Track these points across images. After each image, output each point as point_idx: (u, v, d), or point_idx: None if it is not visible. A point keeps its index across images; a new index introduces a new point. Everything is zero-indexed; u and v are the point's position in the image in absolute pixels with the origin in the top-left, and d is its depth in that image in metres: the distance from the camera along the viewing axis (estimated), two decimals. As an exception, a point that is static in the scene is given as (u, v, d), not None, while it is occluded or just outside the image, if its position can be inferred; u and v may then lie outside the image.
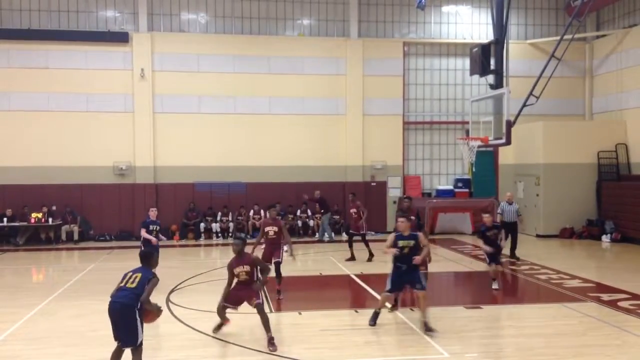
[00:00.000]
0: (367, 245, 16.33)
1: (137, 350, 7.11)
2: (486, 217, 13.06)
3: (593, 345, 8.81)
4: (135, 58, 21.64)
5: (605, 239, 20.34)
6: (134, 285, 7.11)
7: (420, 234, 9.98)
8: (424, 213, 21.13)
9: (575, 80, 24.02)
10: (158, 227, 13.30)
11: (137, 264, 7.50)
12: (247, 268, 8.95)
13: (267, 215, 12.56)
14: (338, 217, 22.22)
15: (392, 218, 22.72)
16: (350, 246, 16.54)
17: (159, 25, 22.24)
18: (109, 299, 7.11)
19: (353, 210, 16.60)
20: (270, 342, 8.72)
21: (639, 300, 11.61)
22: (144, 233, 12.99)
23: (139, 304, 7.01)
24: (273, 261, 11.76)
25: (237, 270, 9.00)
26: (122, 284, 7.18)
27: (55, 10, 21.70)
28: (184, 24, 22.55)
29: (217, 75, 22.17)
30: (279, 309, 11.24)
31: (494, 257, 12.75)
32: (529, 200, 22.22)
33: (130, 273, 7.30)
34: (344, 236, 21.56)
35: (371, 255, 16.25)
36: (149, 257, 7.64)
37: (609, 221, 20.64)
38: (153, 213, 13.44)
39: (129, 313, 6.96)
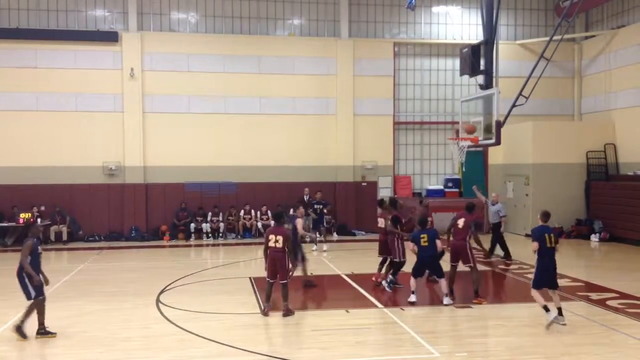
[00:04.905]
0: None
1: (34, 302, 9.25)
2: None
3: (582, 344, 8.86)
4: (125, 58, 21.54)
5: (594, 238, 20.46)
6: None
7: None
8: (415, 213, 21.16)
9: (565, 81, 24.16)
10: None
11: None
12: None
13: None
14: (330, 217, 22.19)
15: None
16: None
17: (148, 25, 22.15)
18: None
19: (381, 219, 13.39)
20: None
21: (628, 299, 11.71)
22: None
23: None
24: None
25: None
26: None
27: (44, 9, 21.55)
28: (174, 23, 22.47)
29: (207, 75, 22.11)
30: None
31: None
32: (518, 200, 22.35)
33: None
34: (335, 236, 21.67)
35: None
36: (28, 227, 9.89)
37: (598, 221, 20.78)
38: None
39: (19, 275, 9.25)
